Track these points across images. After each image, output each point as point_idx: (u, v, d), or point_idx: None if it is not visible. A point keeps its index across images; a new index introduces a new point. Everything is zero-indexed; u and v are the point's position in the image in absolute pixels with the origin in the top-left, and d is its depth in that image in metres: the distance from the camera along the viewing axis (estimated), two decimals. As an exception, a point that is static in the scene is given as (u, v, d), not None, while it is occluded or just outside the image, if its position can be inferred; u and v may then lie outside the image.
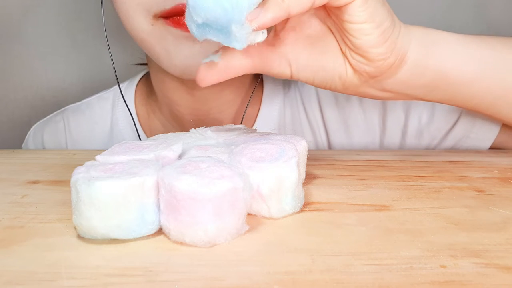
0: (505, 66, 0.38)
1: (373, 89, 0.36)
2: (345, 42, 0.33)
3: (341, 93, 0.37)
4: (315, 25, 0.35)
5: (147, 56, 0.52)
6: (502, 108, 0.40)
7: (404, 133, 0.51)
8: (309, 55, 0.34)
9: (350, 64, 0.34)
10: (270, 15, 0.28)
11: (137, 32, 0.43)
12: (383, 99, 0.38)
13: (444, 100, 0.39)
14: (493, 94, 0.39)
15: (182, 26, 0.39)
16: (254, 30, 0.28)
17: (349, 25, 0.31)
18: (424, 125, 0.51)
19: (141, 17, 0.41)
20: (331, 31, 0.34)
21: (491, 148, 0.49)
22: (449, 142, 0.50)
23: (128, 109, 0.52)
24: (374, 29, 0.31)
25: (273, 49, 0.34)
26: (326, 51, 0.34)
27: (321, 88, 0.36)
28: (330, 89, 0.36)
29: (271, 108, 0.54)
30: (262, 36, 0.30)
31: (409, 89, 0.37)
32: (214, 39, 0.29)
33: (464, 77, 0.37)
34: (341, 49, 0.34)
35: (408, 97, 0.38)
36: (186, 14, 0.29)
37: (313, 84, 0.36)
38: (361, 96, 0.38)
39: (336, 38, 0.34)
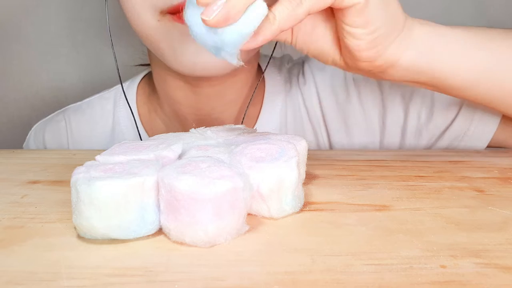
0: (502, 68, 0.39)
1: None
2: (339, 37, 0.35)
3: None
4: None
5: (149, 55, 0.52)
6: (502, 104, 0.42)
7: (403, 131, 0.52)
8: (311, 31, 0.36)
9: (342, 55, 0.36)
10: (261, 38, 0.29)
11: (143, 29, 0.42)
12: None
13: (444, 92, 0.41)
14: (490, 95, 0.40)
15: None
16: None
17: (344, 25, 0.33)
18: (423, 123, 0.51)
19: (148, 13, 0.41)
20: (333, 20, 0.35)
21: (489, 146, 0.49)
22: (447, 139, 0.51)
23: (130, 108, 0.52)
24: (366, 36, 0.33)
25: None
26: (325, 34, 0.36)
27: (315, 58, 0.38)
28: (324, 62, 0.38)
29: (273, 108, 0.54)
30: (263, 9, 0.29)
31: (403, 84, 0.40)
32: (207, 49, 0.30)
33: (459, 83, 0.39)
34: (337, 39, 0.36)
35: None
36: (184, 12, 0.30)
37: (308, 53, 0.37)
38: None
39: (335, 27, 0.35)
